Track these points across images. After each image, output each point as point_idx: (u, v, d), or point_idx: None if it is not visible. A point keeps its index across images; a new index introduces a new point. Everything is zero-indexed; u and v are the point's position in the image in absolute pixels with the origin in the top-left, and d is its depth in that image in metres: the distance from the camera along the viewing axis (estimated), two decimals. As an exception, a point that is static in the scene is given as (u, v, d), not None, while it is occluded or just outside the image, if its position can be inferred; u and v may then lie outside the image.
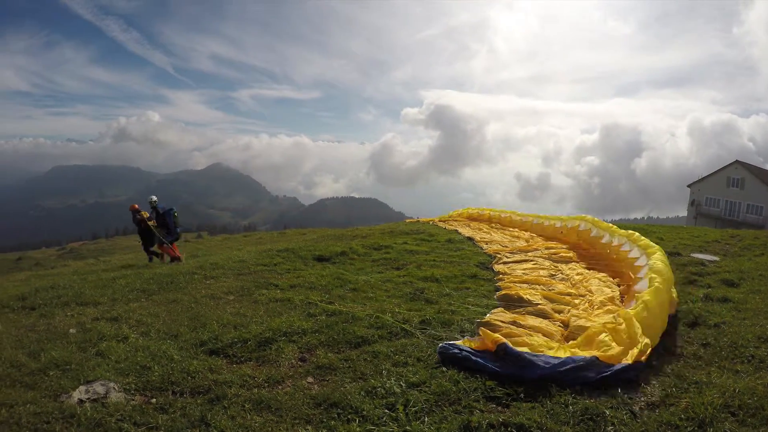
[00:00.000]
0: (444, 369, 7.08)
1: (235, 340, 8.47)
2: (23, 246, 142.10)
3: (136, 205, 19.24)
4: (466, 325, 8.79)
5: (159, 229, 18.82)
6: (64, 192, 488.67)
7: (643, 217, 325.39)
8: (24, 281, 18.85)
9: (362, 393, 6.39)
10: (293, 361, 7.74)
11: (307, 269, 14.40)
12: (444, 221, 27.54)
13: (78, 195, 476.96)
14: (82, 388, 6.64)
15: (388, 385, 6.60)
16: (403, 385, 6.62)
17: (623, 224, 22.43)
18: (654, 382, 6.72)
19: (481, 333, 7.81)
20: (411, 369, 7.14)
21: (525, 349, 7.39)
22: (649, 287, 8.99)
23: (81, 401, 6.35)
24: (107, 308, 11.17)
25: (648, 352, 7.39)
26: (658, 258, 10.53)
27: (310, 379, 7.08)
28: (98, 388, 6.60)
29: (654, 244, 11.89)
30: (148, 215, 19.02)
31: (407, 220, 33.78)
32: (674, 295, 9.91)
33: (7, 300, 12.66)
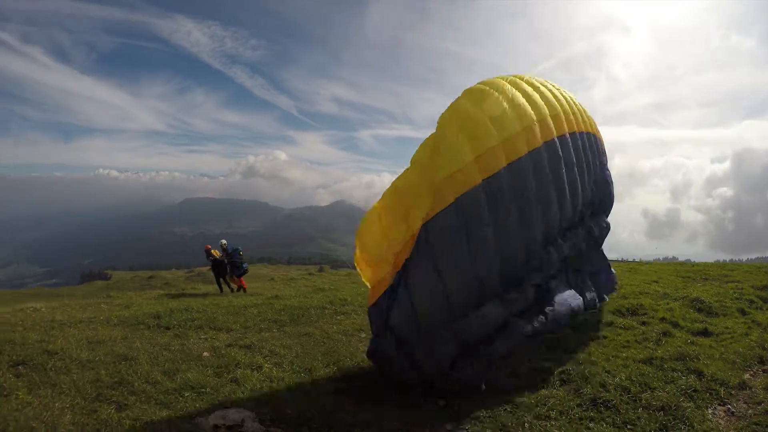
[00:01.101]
0: (590, 425, 6.68)
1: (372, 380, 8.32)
2: (155, 266, 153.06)
3: (209, 246, 22.62)
4: (607, 379, 8.08)
5: (229, 264, 21.81)
6: (194, 221, 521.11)
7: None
8: (156, 300, 19.87)
9: (505, 445, 6.03)
10: (433, 405, 7.56)
11: None
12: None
13: (207, 225, 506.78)
14: (218, 413, 6.69)
15: (531, 438, 6.21)
16: (547, 439, 6.20)
17: (762, 264, 20.32)
18: None
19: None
20: (554, 423, 6.79)
21: None
22: None
23: (216, 426, 6.38)
24: (240, 335, 11.52)
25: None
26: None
27: (448, 426, 6.87)
28: (234, 415, 6.62)
29: None
30: (220, 254, 22.07)
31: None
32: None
33: (142, 317, 13.33)
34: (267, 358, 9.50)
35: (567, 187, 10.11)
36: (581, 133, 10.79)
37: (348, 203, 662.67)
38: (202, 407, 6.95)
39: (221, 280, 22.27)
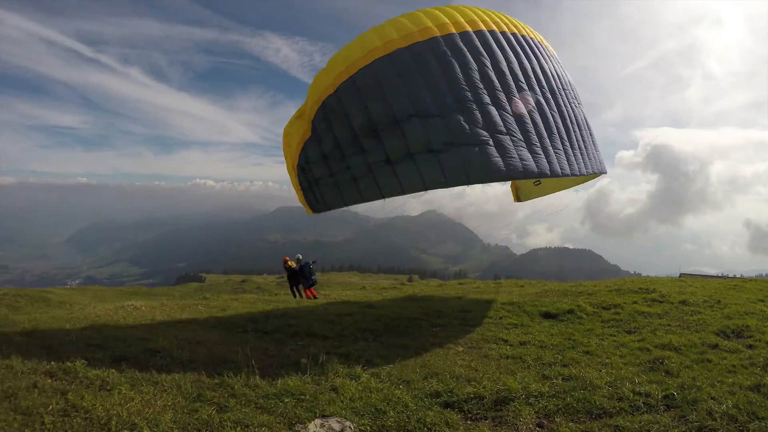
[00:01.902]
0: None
1: (471, 395, 8.17)
2: (248, 271, 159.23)
3: (287, 257, 25.78)
4: (713, 406, 7.48)
5: (301, 276, 25.03)
6: (287, 229, 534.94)
7: None
8: (251, 304, 20.36)
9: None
10: (531, 426, 7.26)
11: (534, 325, 14.04)
12: None
13: (299, 232, 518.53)
14: (318, 421, 6.65)
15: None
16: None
17: None
18: None
19: None
20: (659, 450, 6.34)
21: None
22: None
23: (316, 434, 6.31)
24: (336, 344, 11.63)
25: None
26: None
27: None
28: (334, 424, 6.56)
29: None
30: (295, 265, 25.31)
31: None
32: None
33: (240, 321, 13.66)
34: (364, 368, 9.43)
35: (490, 63, 12.90)
36: (504, 32, 14.00)
37: (438, 213, 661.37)
38: (301, 414, 6.94)
39: (295, 288, 25.64)
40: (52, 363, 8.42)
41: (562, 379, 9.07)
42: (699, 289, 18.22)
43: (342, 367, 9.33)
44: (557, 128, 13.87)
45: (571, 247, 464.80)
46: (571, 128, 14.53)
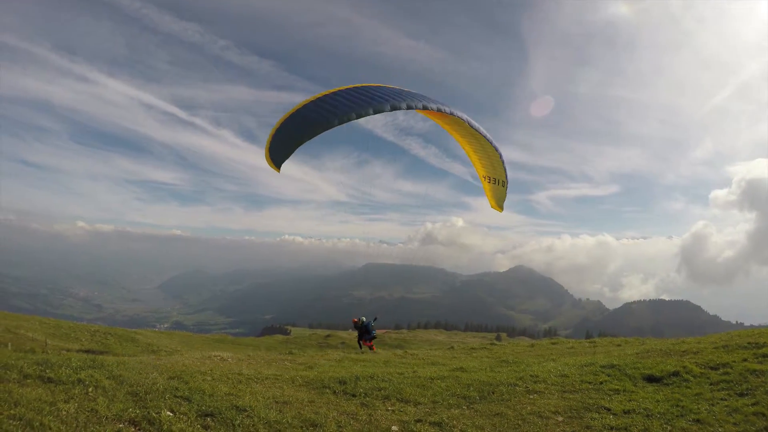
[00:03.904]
0: None
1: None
2: (333, 326, 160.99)
3: (356, 318, 30.46)
4: None
5: (364, 331, 29.88)
6: (374, 285, 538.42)
7: None
8: (338, 362, 20.13)
9: None
10: None
11: (638, 391, 13.02)
12: None
13: (386, 289, 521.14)
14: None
15: None
16: None
17: None
18: None
19: None
20: None
21: None
22: None
23: None
24: (428, 410, 11.16)
25: None
26: None
27: None
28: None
29: None
30: (361, 323, 30.10)
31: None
32: None
33: (327, 381, 13.40)
34: (460, 439, 8.94)
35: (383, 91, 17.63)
36: (394, 88, 18.55)
37: (527, 268, 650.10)
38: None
39: (360, 340, 30.33)
40: (138, 411, 8.37)
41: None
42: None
43: (436, 437, 8.88)
44: (394, 97, 17.93)
45: (667, 298, 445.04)
46: (408, 96, 18.53)
